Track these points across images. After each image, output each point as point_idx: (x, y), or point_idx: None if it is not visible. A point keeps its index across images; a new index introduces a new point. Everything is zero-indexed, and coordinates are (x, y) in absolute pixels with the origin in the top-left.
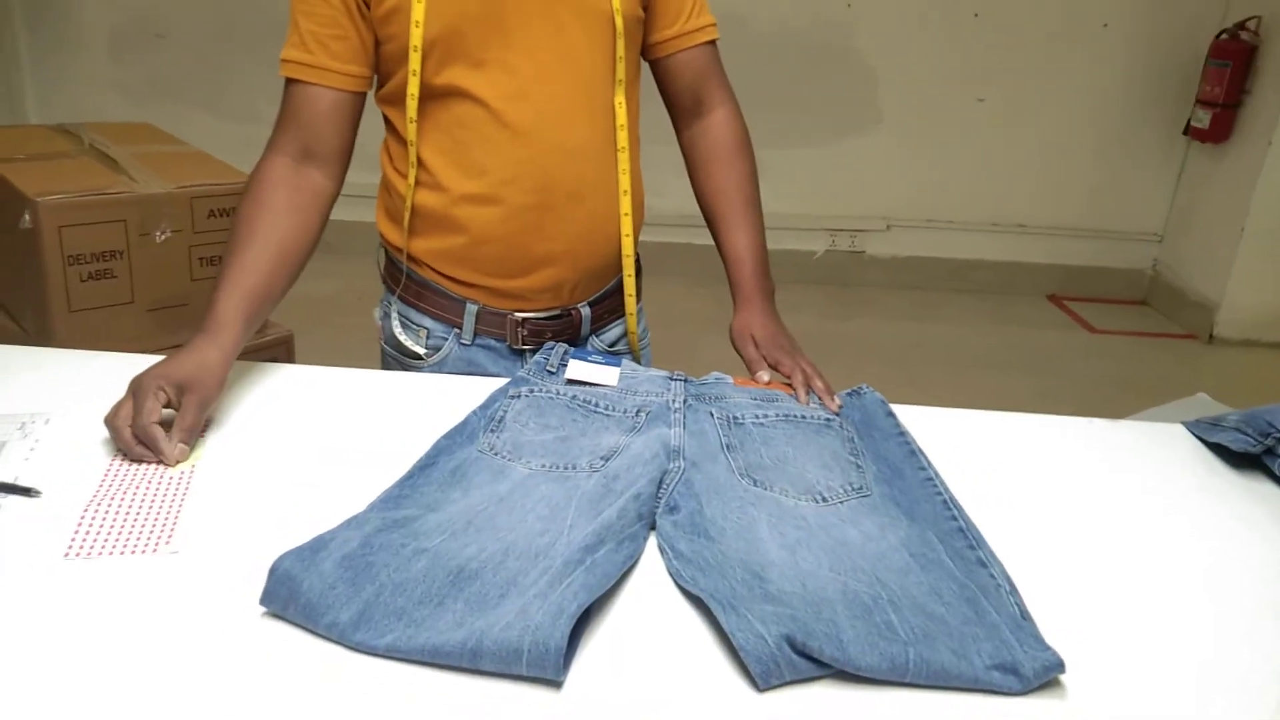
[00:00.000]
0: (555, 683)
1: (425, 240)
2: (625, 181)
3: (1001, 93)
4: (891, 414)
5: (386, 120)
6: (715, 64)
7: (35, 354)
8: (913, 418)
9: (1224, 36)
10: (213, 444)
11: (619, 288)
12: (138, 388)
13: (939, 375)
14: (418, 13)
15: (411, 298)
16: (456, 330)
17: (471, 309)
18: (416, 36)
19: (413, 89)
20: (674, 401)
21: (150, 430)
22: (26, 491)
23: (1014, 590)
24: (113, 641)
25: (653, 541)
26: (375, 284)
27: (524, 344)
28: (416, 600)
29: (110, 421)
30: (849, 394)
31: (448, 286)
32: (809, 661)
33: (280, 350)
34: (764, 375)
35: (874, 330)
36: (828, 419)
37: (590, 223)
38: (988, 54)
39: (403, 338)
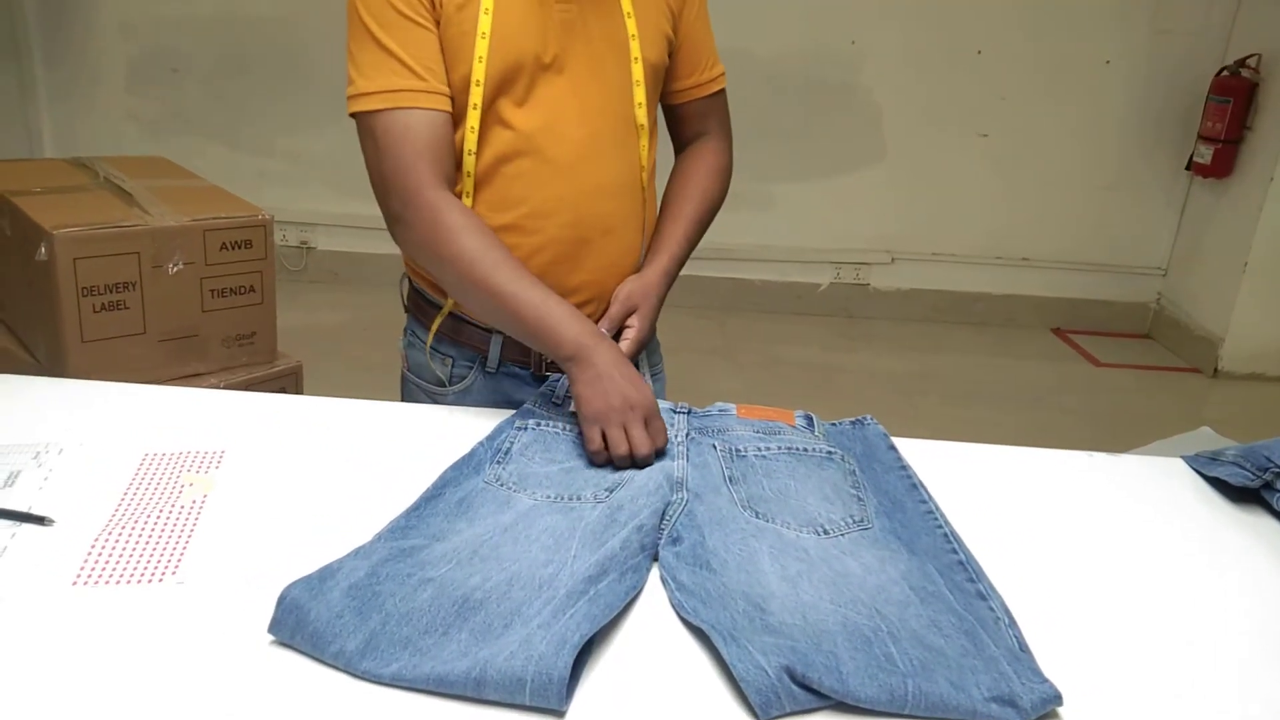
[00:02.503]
0: (558, 712)
1: None
2: (647, 219)
3: (1005, 128)
4: (893, 447)
5: None
6: (721, 108)
7: (49, 384)
8: (915, 451)
9: (1225, 73)
10: (223, 475)
11: None
12: (647, 412)
13: (943, 407)
14: (481, 49)
15: (438, 327)
16: (482, 358)
17: (497, 337)
18: (479, 71)
19: (473, 122)
20: (677, 435)
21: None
22: (40, 520)
23: (1013, 623)
24: (114, 670)
25: (655, 572)
26: (383, 314)
27: (548, 371)
28: (422, 629)
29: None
30: (852, 424)
31: (474, 315)
32: (808, 692)
33: (289, 381)
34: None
35: (878, 362)
36: (829, 451)
37: (618, 256)
38: (991, 89)
39: (432, 366)
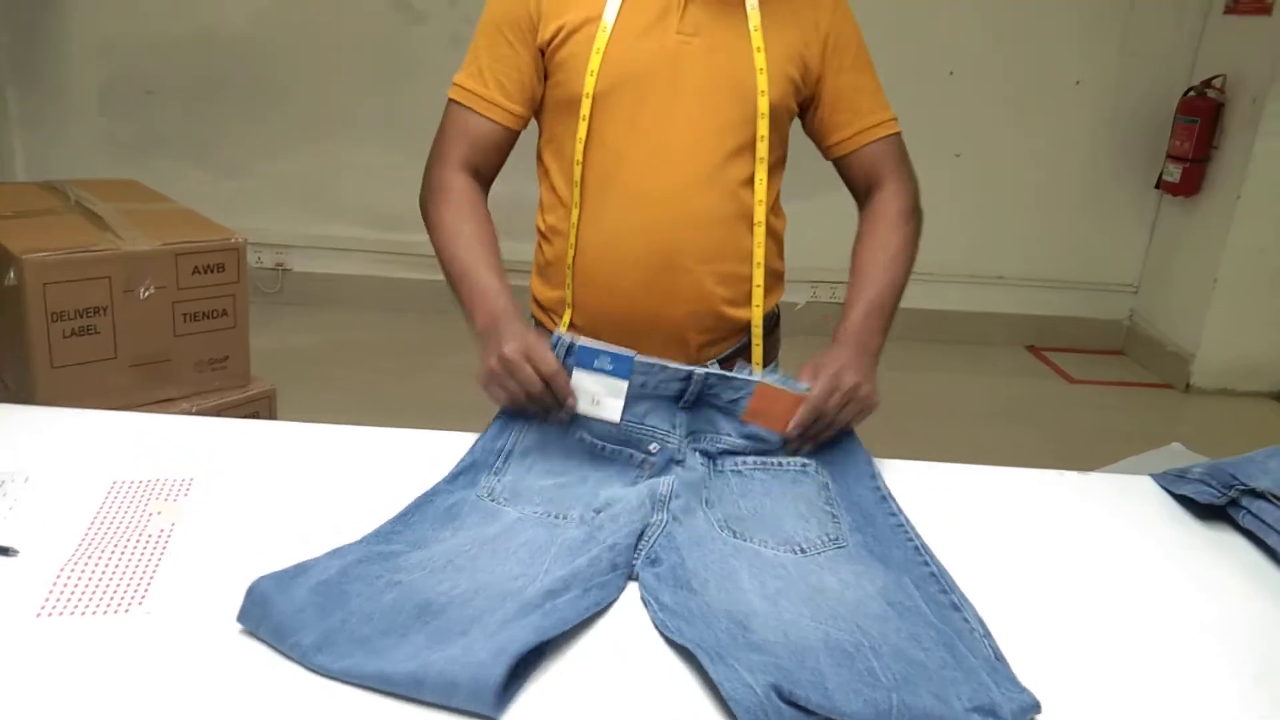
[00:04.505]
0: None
1: (552, 290)
2: (759, 254)
3: (978, 148)
4: (869, 459)
5: (543, 173)
6: (892, 154)
7: (16, 411)
8: (885, 471)
9: (1191, 94)
10: (192, 503)
11: (746, 347)
12: (524, 350)
13: (919, 426)
14: (594, 63)
15: None
16: None
17: None
18: (590, 84)
19: (581, 133)
20: (678, 433)
21: (561, 372)
22: (4, 551)
23: (987, 634)
24: (80, 703)
25: (637, 592)
26: (359, 336)
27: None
28: (381, 630)
29: (516, 386)
30: None
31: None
32: (796, 710)
33: (262, 405)
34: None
35: None
36: (803, 464)
37: (715, 284)
38: (963, 110)
39: None
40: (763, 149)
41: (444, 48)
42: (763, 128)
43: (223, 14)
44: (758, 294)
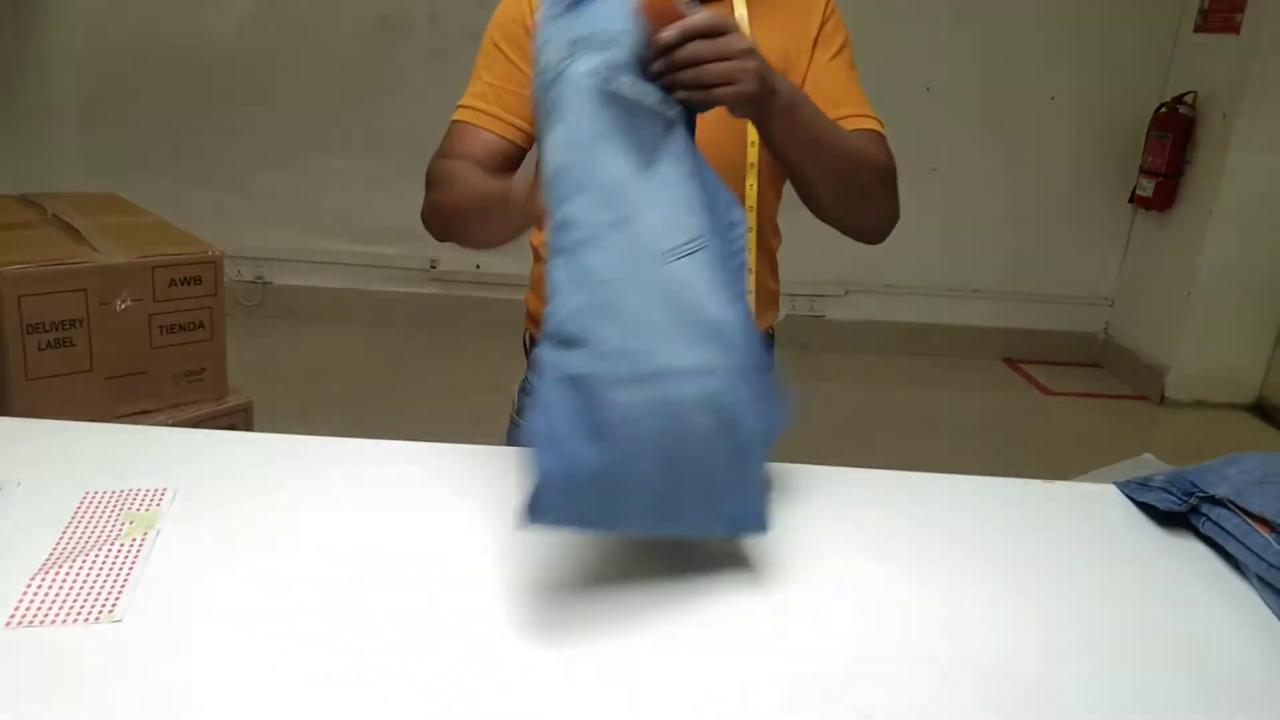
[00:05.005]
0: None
1: (546, 304)
2: (749, 260)
3: (954, 163)
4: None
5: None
6: (874, 140)
7: None
8: (860, 480)
9: (1163, 110)
10: (165, 513)
11: None
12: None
13: (896, 437)
14: None
15: None
16: None
17: None
18: None
19: None
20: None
21: None
22: None
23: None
24: (45, 712)
25: None
26: (338, 350)
27: None
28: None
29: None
30: None
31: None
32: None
33: (239, 417)
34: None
35: (833, 393)
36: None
37: None
38: (940, 126)
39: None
40: (752, 154)
41: (424, 63)
42: (753, 133)
43: (204, 28)
44: (750, 299)
